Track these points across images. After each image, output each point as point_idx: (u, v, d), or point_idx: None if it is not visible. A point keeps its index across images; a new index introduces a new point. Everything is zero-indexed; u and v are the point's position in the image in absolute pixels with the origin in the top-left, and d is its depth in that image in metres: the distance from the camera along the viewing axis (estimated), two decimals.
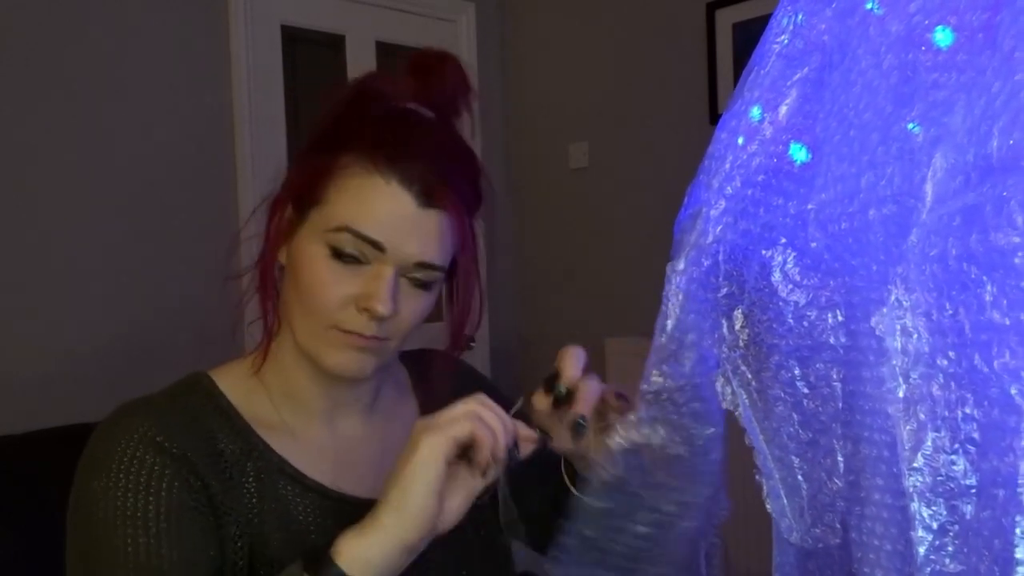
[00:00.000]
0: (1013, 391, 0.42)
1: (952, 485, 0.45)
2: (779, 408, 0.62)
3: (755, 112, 0.61)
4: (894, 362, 0.47)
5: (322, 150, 0.76)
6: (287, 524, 0.76)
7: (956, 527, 0.45)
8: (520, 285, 3.04)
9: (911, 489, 0.46)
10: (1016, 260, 0.41)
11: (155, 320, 2.30)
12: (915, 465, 0.46)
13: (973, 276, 0.43)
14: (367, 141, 0.74)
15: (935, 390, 0.46)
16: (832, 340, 0.58)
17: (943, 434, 0.46)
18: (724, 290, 0.63)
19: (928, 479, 0.46)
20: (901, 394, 0.47)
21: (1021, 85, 0.42)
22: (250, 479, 0.76)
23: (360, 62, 2.81)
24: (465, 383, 0.90)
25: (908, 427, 0.47)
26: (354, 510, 0.70)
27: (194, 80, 2.40)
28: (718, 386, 0.65)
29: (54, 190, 2.15)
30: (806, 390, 0.60)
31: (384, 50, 2.88)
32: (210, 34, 2.44)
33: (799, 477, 0.62)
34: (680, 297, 0.63)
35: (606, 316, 2.84)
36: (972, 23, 0.48)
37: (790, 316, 0.60)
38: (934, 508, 0.46)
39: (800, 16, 0.60)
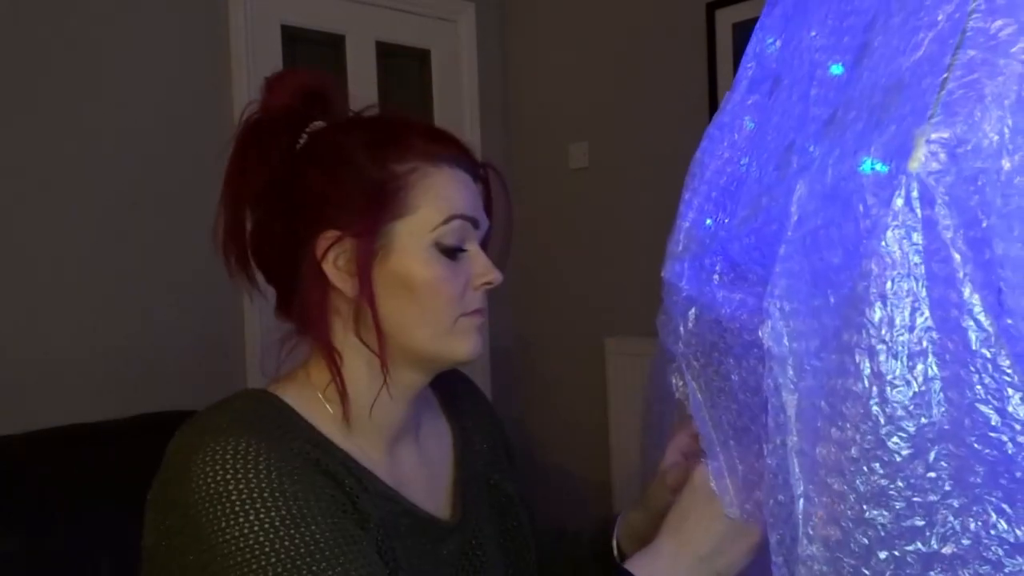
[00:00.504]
0: (857, 387, 0.48)
1: (829, 467, 0.52)
2: (721, 398, 0.69)
3: (719, 134, 0.69)
4: (788, 363, 0.53)
5: (367, 175, 0.76)
6: (392, 534, 0.76)
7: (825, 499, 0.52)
8: (520, 285, 3.05)
9: (797, 471, 0.53)
10: (838, 276, 0.49)
11: (156, 320, 2.31)
12: (801, 449, 0.53)
13: (821, 289, 0.51)
14: (408, 146, 0.78)
15: (814, 386, 0.52)
16: (757, 339, 0.65)
17: (820, 424, 0.52)
18: (684, 292, 0.70)
19: (809, 461, 0.52)
20: (793, 390, 0.54)
21: (869, 123, 0.49)
22: (363, 486, 0.76)
23: (360, 62, 2.81)
24: (482, 409, 1.00)
25: (798, 420, 0.53)
26: (424, 525, 0.80)
27: (194, 80, 2.40)
28: (673, 379, 0.73)
29: (54, 190, 2.16)
30: (740, 383, 0.68)
31: (384, 50, 2.89)
32: (210, 34, 2.44)
33: (735, 459, 0.70)
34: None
35: (606, 316, 2.85)
36: (848, 61, 0.54)
37: (725, 317, 0.67)
38: (815, 485, 0.53)
39: (768, 40, 0.67)
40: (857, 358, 0.47)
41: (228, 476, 0.66)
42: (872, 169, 0.45)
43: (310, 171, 0.78)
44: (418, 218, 0.76)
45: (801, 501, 0.52)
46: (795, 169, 0.55)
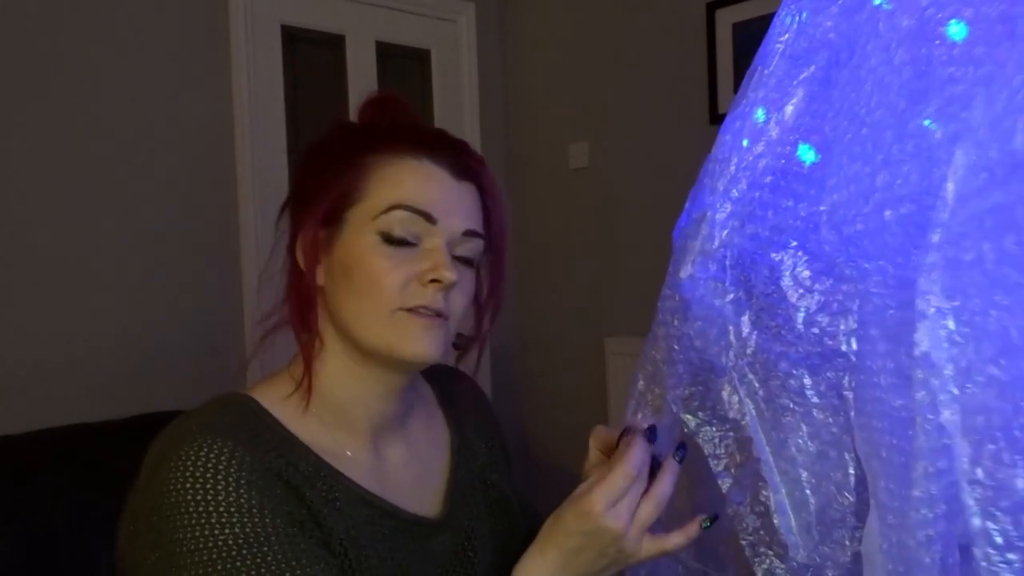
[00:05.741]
0: None
1: (1016, 499, 0.43)
2: (787, 418, 0.59)
3: (760, 113, 0.60)
4: (946, 372, 0.44)
5: (340, 162, 0.77)
6: (365, 540, 0.76)
7: (1023, 542, 0.43)
8: (520, 285, 3.04)
9: (972, 503, 0.44)
10: None
11: (155, 321, 2.30)
12: (976, 478, 0.44)
13: (1013, 279, 0.42)
14: (389, 140, 0.77)
15: (991, 400, 0.44)
16: (844, 347, 0.56)
17: (1002, 446, 0.43)
18: (731, 296, 0.61)
19: (990, 493, 0.44)
20: (956, 405, 0.45)
21: None
22: (332, 496, 0.75)
23: (360, 62, 2.81)
24: (482, 408, 0.99)
25: (966, 439, 0.44)
26: (408, 525, 0.79)
27: (194, 80, 2.40)
28: (724, 395, 0.63)
29: (55, 192, 2.14)
30: (816, 399, 0.58)
31: (384, 50, 2.88)
32: (210, 34, 2.43)
33: (807, 491, 0.59)
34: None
35: (606, 316, 2.84)
36: (990, 15, 0.46)
37: (800, 322, 0.58)
38: (998, 523, 0.44)
39: (804, 14, 0.59)
40: None
41: (188, 486, 0.67)
42: None
43: (304, 165, 0.82)
44: (365, 205, 0.76)
45: (983, 543, 0.44)
46: (940, 139, 0.46)
